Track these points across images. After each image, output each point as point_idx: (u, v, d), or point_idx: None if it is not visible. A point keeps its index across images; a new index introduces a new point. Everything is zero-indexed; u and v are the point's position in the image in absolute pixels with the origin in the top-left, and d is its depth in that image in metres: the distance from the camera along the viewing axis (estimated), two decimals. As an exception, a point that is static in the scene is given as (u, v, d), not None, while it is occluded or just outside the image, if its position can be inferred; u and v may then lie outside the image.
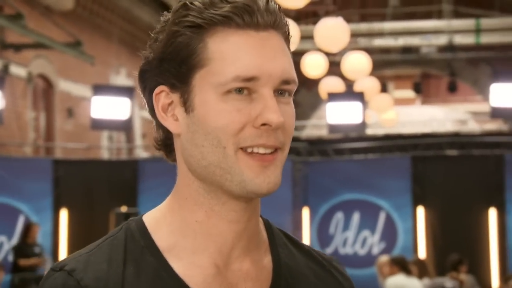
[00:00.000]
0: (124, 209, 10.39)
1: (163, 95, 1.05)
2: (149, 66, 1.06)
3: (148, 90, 1.08)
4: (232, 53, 0.99)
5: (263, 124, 0.98)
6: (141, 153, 15.85)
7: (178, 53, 1.02)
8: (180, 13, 1.02)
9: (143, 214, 1.12)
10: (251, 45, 1.00)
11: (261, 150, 0.99)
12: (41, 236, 10.73)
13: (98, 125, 12.27)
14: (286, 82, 1.01)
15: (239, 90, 1.00)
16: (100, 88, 12.10)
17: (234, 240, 1.08)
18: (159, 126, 1.09)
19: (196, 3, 1.01)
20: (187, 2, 1.01)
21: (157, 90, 1.05)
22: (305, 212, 11.23)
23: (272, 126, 0.98)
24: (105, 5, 16.04)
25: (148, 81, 1.07)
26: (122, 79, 16.50)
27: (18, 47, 12.32)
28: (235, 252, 1.09)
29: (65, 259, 1.07)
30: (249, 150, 0.99)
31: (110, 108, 11.77)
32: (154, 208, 1.13)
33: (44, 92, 15.02)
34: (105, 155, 15.96)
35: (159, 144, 1.13)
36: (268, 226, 1.16)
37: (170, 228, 1.08)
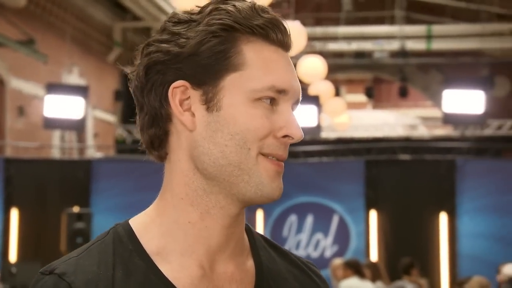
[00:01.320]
0: (76, 209, 9.79)
1: (180, 90, 1.06)
2: (170, 58, 1.07)
3: (157, 83, 1.08)
4: (269, 64, 1.04)
5: (285, 136, 1.04)
6: (94, 154, 15.49)
7: (212, 53, 1.03)
8: (214, 16, 1.04)
9: (129, 219, 1.12)
10: (283, 61, 1.06)
11: (274, 160, 1.06)
12: None
13: (51, 124, 11.95)
14: (298, 101, 1.07)
15: (271, 100, 1.05)
16: (53, 87, 11.85)
17: (222, 244, 1.08)
18: (156, 122, 1.09)
19: (229, 8, 1.05)
20: (221, 6, 1.05)
21: (177, 83, 1.05)
22: (259, 214, 10.79)
23: (294, 140, 1.06)
24: (58, 3, 15.41)
25: (163, 73, 1.07)
26: (74, 78, 15.80)
27: None
28: (222, 255, 1.09)
29: (53, 263, 1.06)
30: (267, 153, 1.05)
31: (63, 107, 11.50)
32: (140, 213, 1.14)
33: None
34: (56, 154, 15.43)
35: (151, 141, 1.11)
36: (248, 230, 1.17)
37: (159, 230, 1.08)
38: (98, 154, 15.52)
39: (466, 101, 11.76)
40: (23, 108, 14.33)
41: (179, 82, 1.03)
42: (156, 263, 1.05)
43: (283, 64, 1.05)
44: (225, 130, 1.02)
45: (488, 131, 14.98)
